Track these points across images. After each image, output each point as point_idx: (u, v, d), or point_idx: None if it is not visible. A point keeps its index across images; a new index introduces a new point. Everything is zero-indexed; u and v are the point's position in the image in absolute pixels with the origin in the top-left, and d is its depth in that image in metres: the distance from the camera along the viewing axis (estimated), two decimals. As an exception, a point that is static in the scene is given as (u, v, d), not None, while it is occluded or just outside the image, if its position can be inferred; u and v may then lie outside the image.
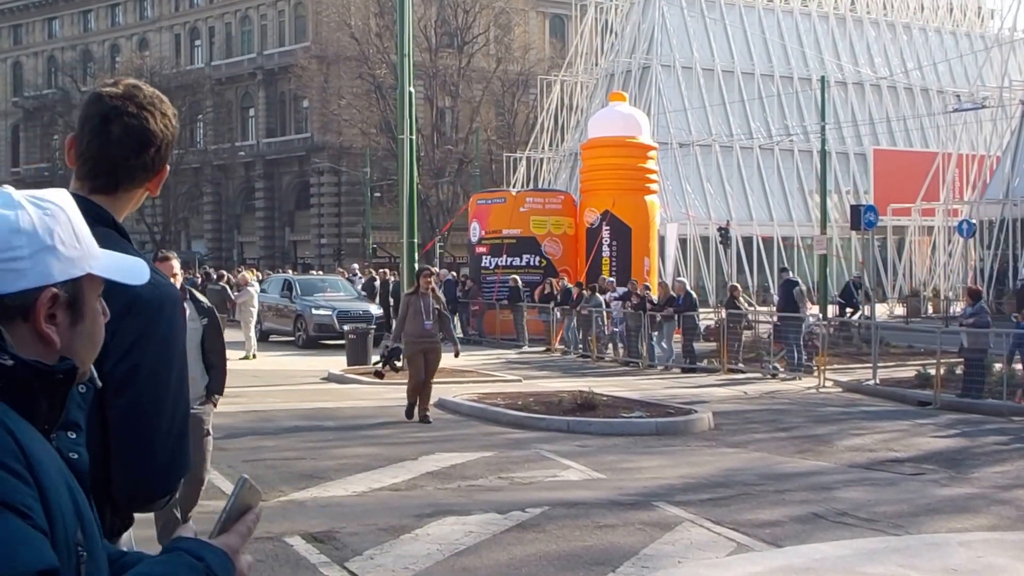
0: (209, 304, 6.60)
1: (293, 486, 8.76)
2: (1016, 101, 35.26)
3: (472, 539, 7.04)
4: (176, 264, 7.41)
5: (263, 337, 23.85)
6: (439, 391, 14.88)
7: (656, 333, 20.31)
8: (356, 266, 34.99)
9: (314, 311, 23.96)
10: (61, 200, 1.39)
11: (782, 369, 18.64)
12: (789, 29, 47.04)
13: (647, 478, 9.41)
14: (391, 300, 27.55)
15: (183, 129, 60.19)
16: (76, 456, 1.42)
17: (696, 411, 12.94)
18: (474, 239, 27.87)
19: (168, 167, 2.22)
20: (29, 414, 1.30)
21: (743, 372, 18.85)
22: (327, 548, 6.81)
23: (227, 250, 61.22)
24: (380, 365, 13.77)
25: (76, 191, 2.14)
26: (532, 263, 26.40)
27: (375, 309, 24.86)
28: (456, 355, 13.02)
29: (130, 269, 1.45)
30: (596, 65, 45.49)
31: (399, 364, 12.97)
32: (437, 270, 13.68)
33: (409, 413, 12.52)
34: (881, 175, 41.97)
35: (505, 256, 26.57)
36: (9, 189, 1.38)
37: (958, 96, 39.20)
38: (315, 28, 56.65)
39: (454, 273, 31.73)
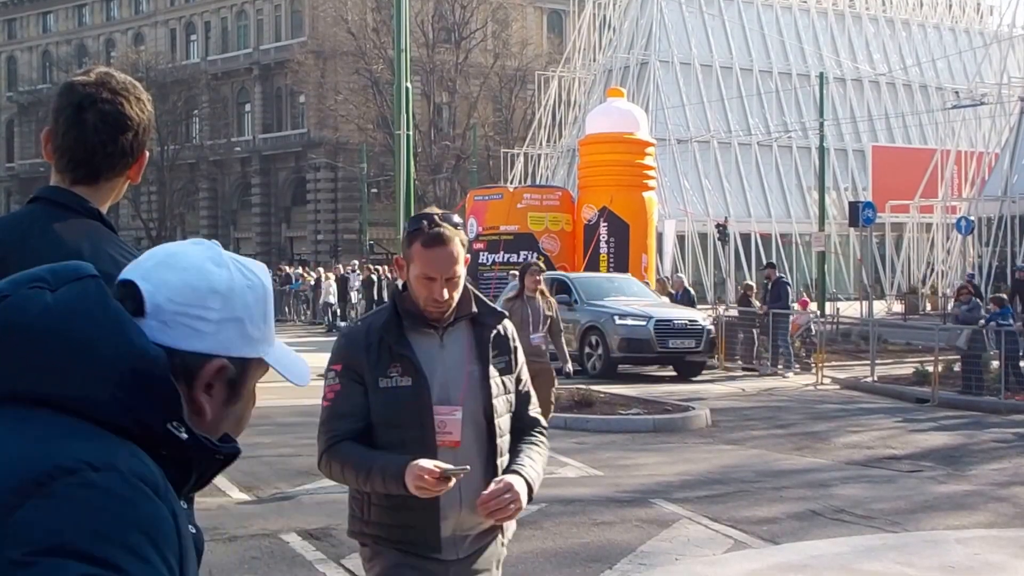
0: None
1: (289, 483, 8.74)
2: (1015, 98, 35.26)
3: (468, 536, 7.00)
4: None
5: None
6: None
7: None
8: (356, 262, 34.92)
9: (619, 321, 17.00)
10: (264, 276, 1.34)
11: (781, 365, 18.63)
12: (788, 25, 47.02)
13: (644, 475, 9.39)
14: (387, 297, 27.63)
15: (179, 124, 60.14)
16: (195, 531, 1.32)
17: (694, 408, 12.92)
18: (471, 235, 27.83)
19: (148, 153, 2.19)
20: (179, 486, 1.22)
21: (741, 369, 18.84)
22: (323, 545, 6.78)
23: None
24: None
25: (57, 184, 2.11)
26: (529, 260, 26.36)
27: (702, 319, 17.99)
28: (569, 375, 10.56)
29: (294, 366, 1.36)
30: (594, 61, 45.45)
31: None
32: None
33: None
34: (879, 172, 41.98)
35: (502, 253, 26.52)
36: (219, 247, 1.33)
37: (957, 93, 39.24)
38: (311, 23, 56.53)
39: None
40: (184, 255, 1.29)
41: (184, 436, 1.20)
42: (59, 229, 2.03)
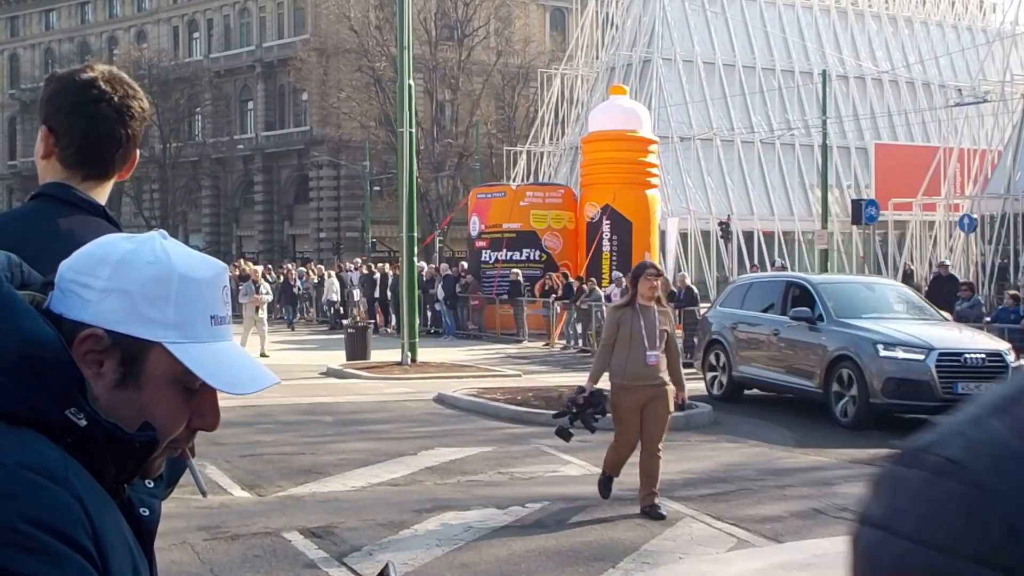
0: None
1: (291, 481, 8.73)
2: (1018, 95, 35.17)
3: (471, 535, 7.01)
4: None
5: (735, 391, 14.48)
6: (437, 386, 14.85)
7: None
8: (359, 260, 34.83)
9: (884, 353, 11.99)
10: (198, 268, 1.24)
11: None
12: (790, 22, 46.97)
13: (647, 473, 9.36)
14: (389, 295, 27.53)
15: (181, 122, 60.20)
16: (147, 513, 1.28)
17: (696, 406, 12.88)
18: (474, 233, 27.82)
19: (138, 152, 2.21)
20: (99, 472, 1.18)
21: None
22: (326, 543, 6.77)
23: (225, 244, 61.14)
24: (567, 422, 8.12)
25: (66, 181, 2.09)
26: (532, 257, 26.36)
27: (1006, 350, 12.46)
28: (681, 405, 8.20)
29: (225, 370, 1.23)
30: (597, 58, 45.42)
31: (598, 419, 8.07)
32: (660, 267, 9.07)
33: (606, 489, 7.99)
34: (882, 169, 41.93)
35: (505, 250, 26.53)
36: (171, 240, 1.27)
37: (960, 90, 39.18)
38: (314, 20, 56.52)
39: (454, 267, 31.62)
40: (110, 234, 1.28)
41: (83, 423, 1.15)
42: (65, 225, 2.02)
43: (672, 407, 7.85)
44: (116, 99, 2.07)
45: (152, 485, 1.31)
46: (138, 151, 2.19)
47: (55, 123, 2.09)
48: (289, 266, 34.31)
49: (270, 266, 37.00)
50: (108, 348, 1.20)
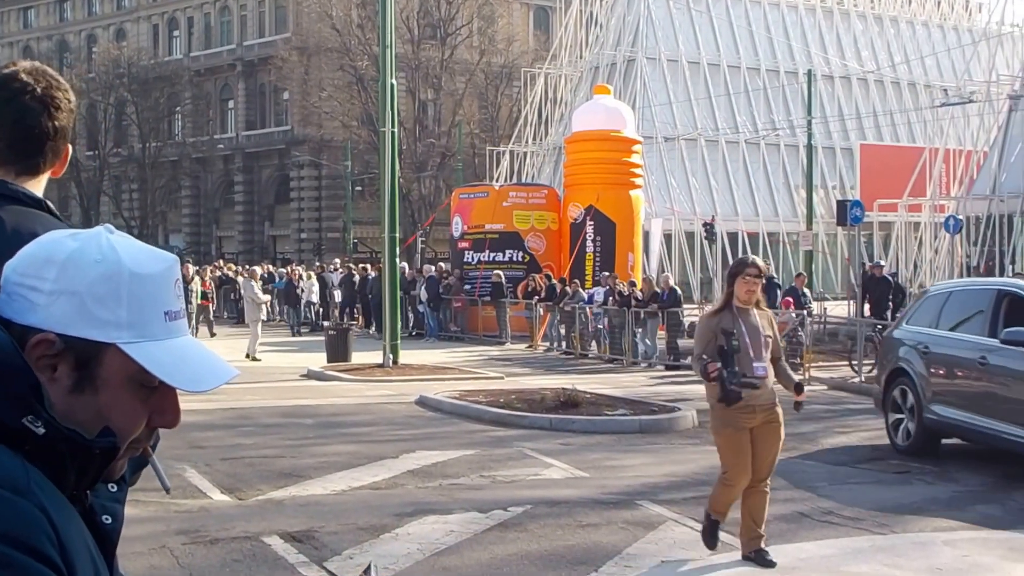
0: None
1: (272, 484, 8.64)
2: (1003, 96, 35.32)
3: (453, 538, 6.95)
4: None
5: (928, 442, 10.45)
6: (418, 388, 14.76)
7: (640, 329, 20.24)
8: (338, 261, 34.60)
9: None
10: (148, 263, 1.20)
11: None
12: (775, 22, 47.10)
13: (630, 476, 9.32)
14: (370, 295, 27.33)
15: (161, 121, 59.91)
16: (109, 520, 1.26)
17: (680, 409, 12.85)
18: (456, 234, 27.72)
19: (70, 148, 2.19)
20: (59, 480, 1.15)
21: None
22: (306, 548, 6.70)
23: (205, 244, 60.86)
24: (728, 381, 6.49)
25: (2, 178, 2.06)
26: (515, 258, 26.28)
27: None
28: (799, 403, 6.85)
29: (182, 368, 1.20)
30: (580, 58, 45.41)
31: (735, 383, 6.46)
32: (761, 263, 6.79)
33: (712, 538, 6.66)
34: (867, 170, 42.05)
35: (488, 251, 26.44)
36: (103, 229, 1.23)
37: (945, 91, 39.32)
38: (296, 19, 56.31)
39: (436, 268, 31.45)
40: (55, 232, 1.24)
41: (40, 431, 1.12)
42: (10, 219, 1.99)
43: (783, 434, 6.74)
44: (39, 90, 2.07)
45: (115, 490, 1.29)
46: (70, 146, 2.19)
47: None
48: (298, 269, 33.29)
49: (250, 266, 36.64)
50: (61, 352, 1.17)
